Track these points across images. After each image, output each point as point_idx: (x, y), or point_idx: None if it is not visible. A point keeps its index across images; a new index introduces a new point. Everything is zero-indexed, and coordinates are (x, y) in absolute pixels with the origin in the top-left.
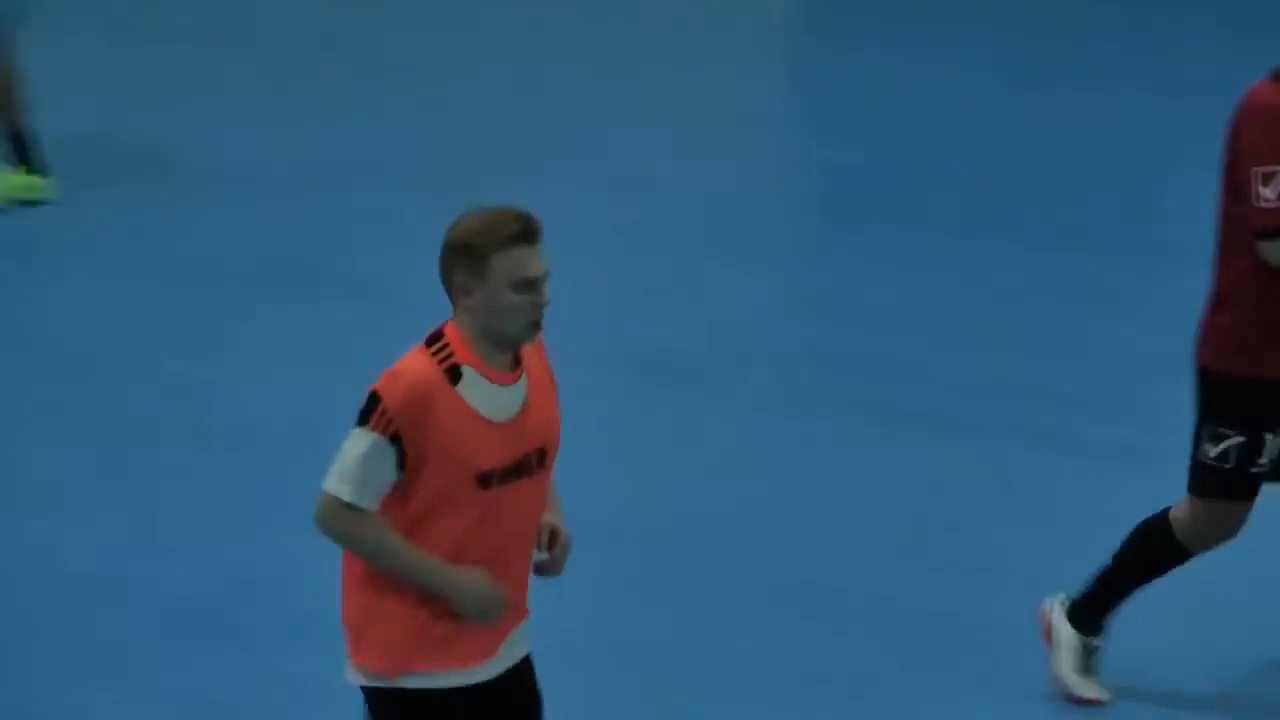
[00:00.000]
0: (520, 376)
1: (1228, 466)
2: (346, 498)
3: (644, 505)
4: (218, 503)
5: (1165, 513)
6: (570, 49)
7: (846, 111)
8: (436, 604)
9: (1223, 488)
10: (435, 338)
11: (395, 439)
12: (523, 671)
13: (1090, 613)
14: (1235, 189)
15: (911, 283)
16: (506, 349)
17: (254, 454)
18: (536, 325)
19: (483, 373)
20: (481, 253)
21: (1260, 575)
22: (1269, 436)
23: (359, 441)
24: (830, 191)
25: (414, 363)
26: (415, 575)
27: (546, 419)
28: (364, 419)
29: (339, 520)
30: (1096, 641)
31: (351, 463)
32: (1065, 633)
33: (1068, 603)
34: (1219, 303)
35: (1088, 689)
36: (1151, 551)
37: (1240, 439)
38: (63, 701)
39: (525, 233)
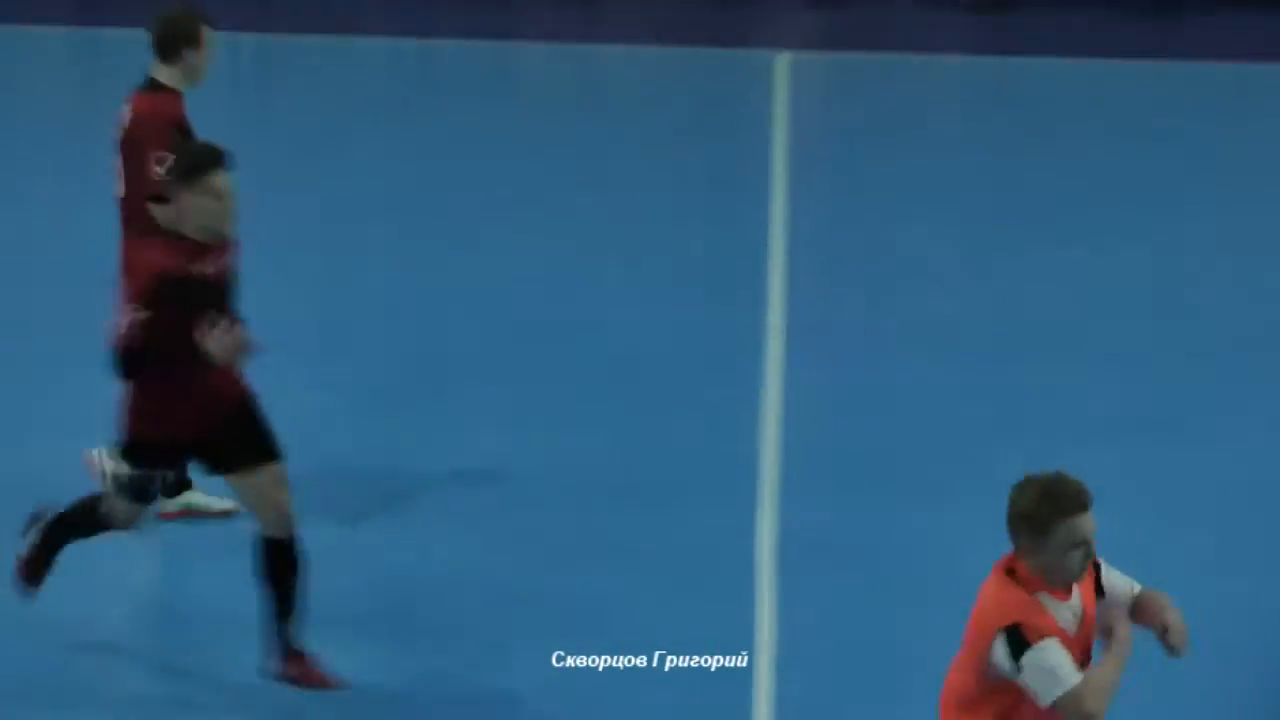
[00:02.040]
0: (1075, 592)
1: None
2: (1081, 684)
3: None
4: None
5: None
6: None
7: None
8: None
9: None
10: (1009, 571)
11: (1056, 638)
12: None
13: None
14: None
15: None
16: (1063, 587)
17: None
18: (1085, 569)
19: (1053, 596)
20: (1044, 524)
21: None
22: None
23: (1041, 655)
24: None
25: (1008, 591)
26: (1118, 675)
27: (1096, 620)
28: (1024, 646)
29: (1085, 700)
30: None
31: (1055, 667)
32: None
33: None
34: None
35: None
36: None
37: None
38: None
39: (1083, 504)
